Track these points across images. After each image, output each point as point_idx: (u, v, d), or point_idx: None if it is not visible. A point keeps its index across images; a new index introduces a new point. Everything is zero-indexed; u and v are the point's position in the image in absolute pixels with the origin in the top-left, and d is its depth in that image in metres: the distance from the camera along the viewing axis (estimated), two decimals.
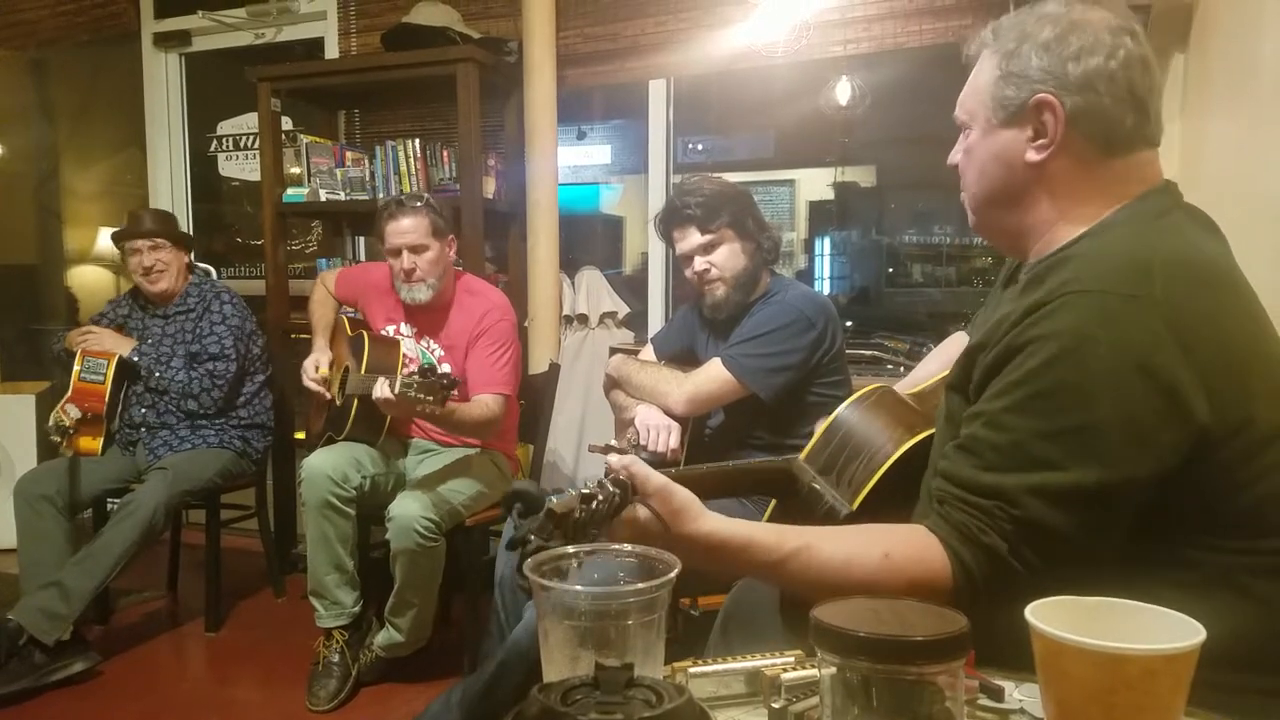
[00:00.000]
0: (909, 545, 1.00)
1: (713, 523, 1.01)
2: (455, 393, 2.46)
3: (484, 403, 2.71)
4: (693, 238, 2.33)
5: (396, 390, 2.39)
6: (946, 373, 1.49)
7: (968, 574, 0.96)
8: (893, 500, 1.26)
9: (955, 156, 1.19)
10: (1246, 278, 1.04)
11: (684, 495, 1.01)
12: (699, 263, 2.34)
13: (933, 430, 1.26)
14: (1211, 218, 1.09)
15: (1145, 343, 0.92)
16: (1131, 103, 1.05)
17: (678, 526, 1.00)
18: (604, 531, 0.98)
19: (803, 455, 1.38)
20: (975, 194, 1.16)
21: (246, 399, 3.32)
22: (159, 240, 3.22)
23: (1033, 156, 1.07)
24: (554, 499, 0.95)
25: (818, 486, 1.33)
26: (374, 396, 2.45)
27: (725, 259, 2.33)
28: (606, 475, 1.02)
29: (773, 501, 1.44)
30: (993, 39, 1.11)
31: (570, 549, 0.91)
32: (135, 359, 3.12)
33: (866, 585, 0.97)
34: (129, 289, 3.43)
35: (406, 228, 2.74)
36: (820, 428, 1.39)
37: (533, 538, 0.90)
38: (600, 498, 0.97)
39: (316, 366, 2.92)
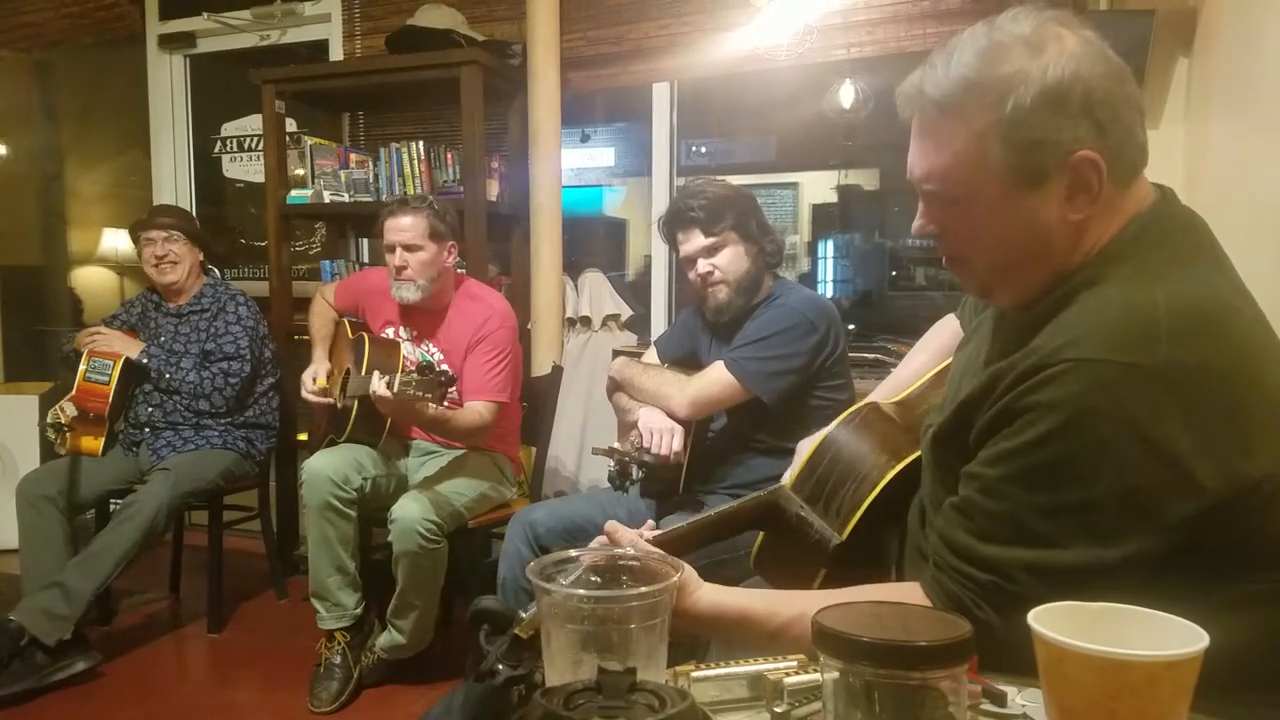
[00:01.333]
0: None
1: (708, 598, 1.02)
2: (453, 390, 2.45)
3: (477, 410, 2.71)
4: (696, 240, 2.33)
5: (395, 388, 2.39)
6: (934, 372, 1.49)
7: None
8: (882, 526, 1.25)
9: (929, 227, 1.05)
10: (1254, 298, 0.99)
11: (684, 572, 1.00)
12: (702, 265, 2.34)
13: (919, 453, 1.23)
14: (1208, 228, 1.04)
15: (1147, 414, 0.87)
16: (1142, 119, 0.99)
17: (676, 603, 0.99)
18: None
19: (788, 483, 1.38)
20: (993, 265, 1.04)
21: (254, 400, 3.33)
22: (173, 233, 3.24)
23: (1073, 216, 0.97)
24: (523, 615, 0.93)
25: (805, 515, 1.32)
26: (370, 393, 2.45)
27: (728, 262, 2.33)
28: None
29: (760, 535, 1.43)
30: (965, 95, 0.96)
31: (573, 552, 0.91)
32: (144, 361, 3.12)
33: None
34: (142, 290, 3.44)
35: (404, 225, 2.75)
36: (805, 453, 1.38)
37: (501, 666, 0.89)
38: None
39: (314, 378, 2.92)
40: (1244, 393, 0.90)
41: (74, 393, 3.03)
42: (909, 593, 1.01)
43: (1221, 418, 0.88)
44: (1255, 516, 0.91)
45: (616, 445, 2.29)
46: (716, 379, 2.27)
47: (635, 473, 2.24)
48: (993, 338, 1.14)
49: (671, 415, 2.31)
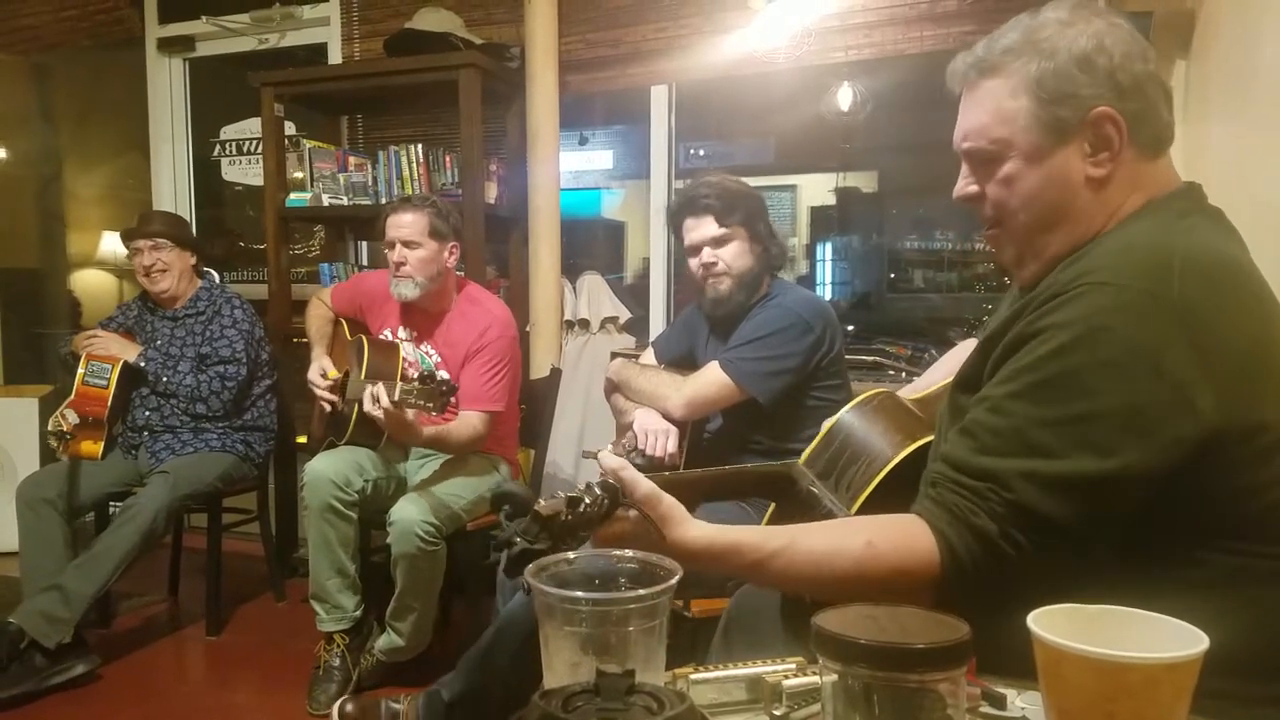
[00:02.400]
0: (893, 532, 0.99)
1: (697, 529, 1.01)
2: (454, 400, 2.45)
3: (471, 423, 2.72)
4: (706, 228, 2.33)
5: (397, 397, 2.39)
6: (953, 378, 1.50)
7: (955, 558, 0.95)
8: (891, 505, 1.26)
9: (969, 188, 1.13)
10: (1264, 278, 1.03)
11: (669, 503, 1.02)
12: (707, 254, 2.34)
13: (932, 437, 1.25)
14: (1230, 221, 1.09)
15: (1157, 341, 0.91)
16: (1168, 100, 1.06)
17: (665, 533, 1.02)
18: (592, 535, 0.99)
19: (802, 458, 1.38)
20: (1025, 223, 1.09)
21: (252, 402, 3.32)
22: (160, 240, 3.22)
23: (1094, 172, 1.05)
24: (542, 501, 0.95)
25: (816, 490, 1.32)
26: (368, 407, 2.43)
27: (734, 256, 2.33)
28: (598, 480, 1.02)
29: (772, 505, 1.44)
30: (1003, 57, 1.06)
31: (570, 555, 0.91)
32: (142, 364, 3.12)
33: (851, 574, 0.97)
34: (138, 293, 3.44)
35: (405, 222, 2.76)
36: (821, 430, 1.39)
37: (519, 539, 0.90)
38: (588, 501, 0.97)
39: (323, 374, 2.91)
40: (1250, 340, 0.95)
41: (73, 397, 3.02)
42: (901, 520, 1.01)
43: (1227, 358, 0.92)
44: (1250, 471, 0.93)
45: (609, 447, 2.30)
46: (712, 380, 2.28)
47: None
48: (1012, 301, 1.18)
49: (668, 416, 2.31)
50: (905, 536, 0.98)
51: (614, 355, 3.39)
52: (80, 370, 3.04)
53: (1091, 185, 1.05)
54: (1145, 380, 0.91)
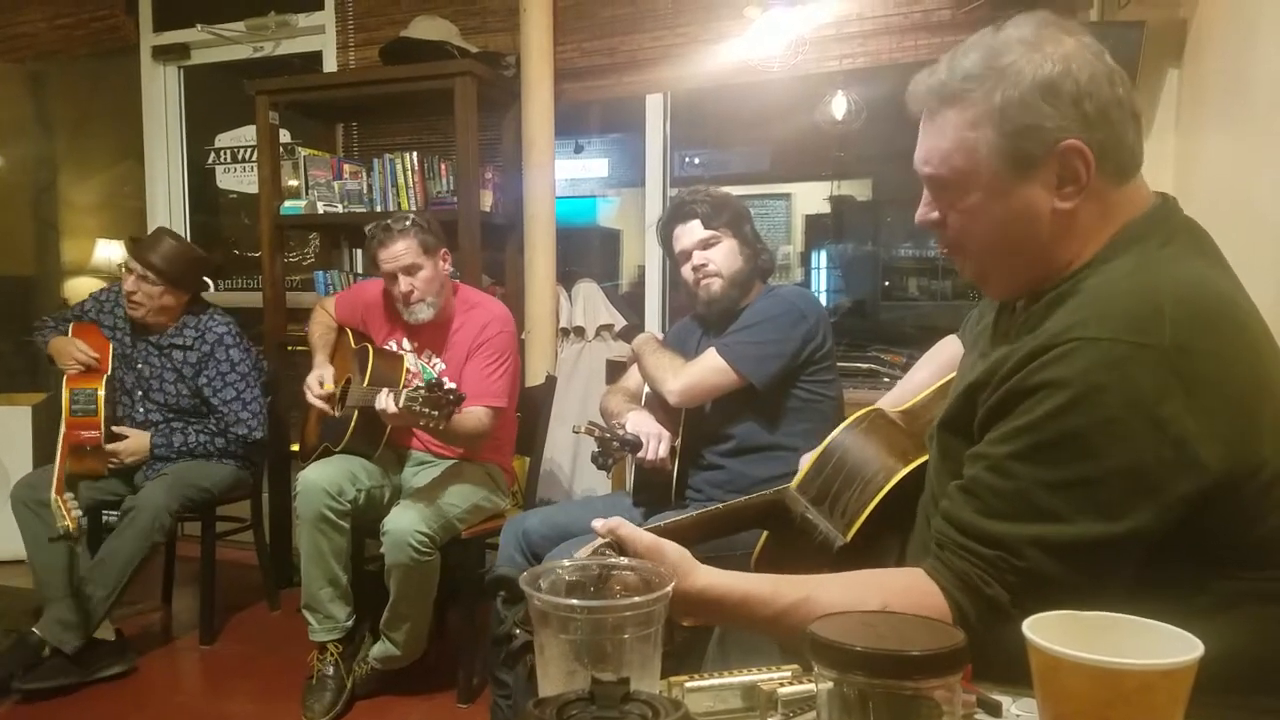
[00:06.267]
0: (908, 594, 0.98)
1: (706, 578, 1.00)
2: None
3: (477, 415, 2.71)
4: (695, 232, 2.38)
5: (401, 403, 2.40)
6: (939, 384, 1.50)
7: (968, 622, 0.95)
8: (887, 529, 1.25)
9: (930, 214, 1.10)
10: (1253, 302, 1.02)
11: (675, 551, 1.00)
12: (698, 257, 2.38)
13: (926, 457, 1.24)
14: (1209, 234, 1.07)
15: (1154, 394, 0.89)
16: (1134, 123, 1.02)
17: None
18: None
19: (794, 484, 1.38)
20: (987, 249, 1.08)
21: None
22: (149, 274, 3.08)
23: (1061, 205, 1.01)
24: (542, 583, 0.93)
25: (810, 517, 1.32)
26: (377, 409, 2.47)
27: (724, 256, 2.38)
28: (595, 551, 1.00)
29: (764, 534, 1.43)
30: (964, 84, 1.02)
31: (565, 562, 0.91)
32: (166, 472, 3.04)
33: None
34: (117, 284, 3.28)
35: (399, 251, 2.73)
36: (812, 456, 1.39)
37: (518, 631, 0.89)
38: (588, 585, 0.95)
39: (320, 382, 2.90)
40: (1245, 379, 0.93)
41: (64, 430, 2.93)
42: (913, 579, 1.01)
43: (1224, 401, 0.91)
44: (1252, 506, 0.92)
45: (597, 422, 2.32)
46: (709, 365, 2.30)
47: (615, 448, 2.27)
48: (993, 336, 1.17)
49: (664, 400, 2.34)
50: (920, 598, 0.97)
51: (610, 363, 3.40)
52: (64, 398, 2.97)
53: (1059, 217, 1.02)
54: (1147, 438, 0.89)
